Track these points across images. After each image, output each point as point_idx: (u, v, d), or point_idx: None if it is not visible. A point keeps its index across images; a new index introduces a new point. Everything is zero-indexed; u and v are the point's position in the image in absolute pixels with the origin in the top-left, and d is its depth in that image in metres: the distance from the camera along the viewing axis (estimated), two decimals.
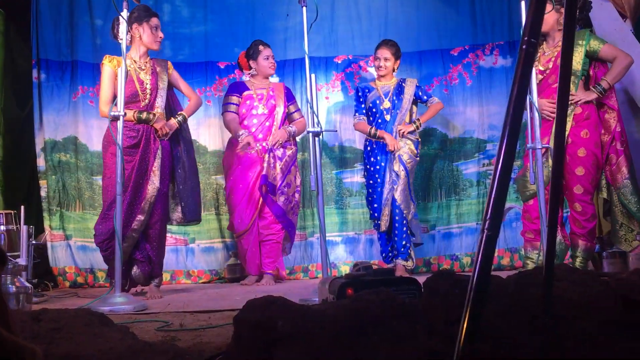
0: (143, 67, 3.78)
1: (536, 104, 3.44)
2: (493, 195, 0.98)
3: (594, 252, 3.97)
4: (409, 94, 4.53)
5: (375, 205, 4.50)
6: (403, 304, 1.60)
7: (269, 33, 5.01)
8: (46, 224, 4.65)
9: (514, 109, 1.01)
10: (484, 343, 1.43)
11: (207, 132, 5.00)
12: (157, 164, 3.72)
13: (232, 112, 4.45)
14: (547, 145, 3.57)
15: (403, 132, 4.43)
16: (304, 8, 3.50)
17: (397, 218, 4.40)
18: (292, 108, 4.60)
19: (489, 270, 0.98)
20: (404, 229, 4.41)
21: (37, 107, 4.74)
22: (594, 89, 3.79)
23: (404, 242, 4.41)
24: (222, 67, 5.08)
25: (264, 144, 4.39)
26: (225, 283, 4.65)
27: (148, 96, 3.75)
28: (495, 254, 4.62)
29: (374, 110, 4.56)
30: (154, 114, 3.73)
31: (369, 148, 4.57)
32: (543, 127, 3.68)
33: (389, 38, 4.65)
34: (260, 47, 4.50)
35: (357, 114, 4.62)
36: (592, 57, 3.86)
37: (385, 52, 4.49)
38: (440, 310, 1.55)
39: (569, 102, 3.70)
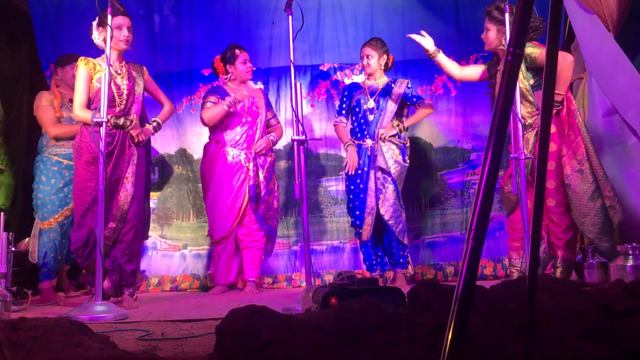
0: (119, 72, 3.68)
1: (520, 115, 3.47)
2: (478, 205, 0.98)
3: (574, 262, 3.98)
4: (397, 94, 4.41)
5: (357, 213, 4.37)
6: (387, 313, 1.60)
7: (253, 40, 5.01)
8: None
9: (499, 120, 1.02)
10: (469, 352, 1.43)
11: (193, 141, 4.98)
12: (131, 170, 3.65)
13: (209, 107, 4.35)
14: (530, 157, 3.58)
15: (384, 137, 4.33)
16: (290, 16, 3.51)
17: (389, 231, 4.35)
18: (269, 114, 4.59)
19: (474, 280, 0.98)
20: (400, 237, 4.36)
21: None
22: None
23: (401, 252, 4.37)
24: (205, 74, 5.06)
25: (246, 152, 4.37)
26: (207, 292, 4.61)
27: (125, 101, 3.68)
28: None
29: (357, 109, 4.45)
30: (131, 120, 3.66)
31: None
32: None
33: None
34: (237, 51, 4.46)
35: (337, 114, 4.56)
36: (534, 67, 3.78)
37: (367, 50, 4.42)
38: (424, 320, 1.55)
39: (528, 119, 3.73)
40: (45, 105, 4.34)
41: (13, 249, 3.80)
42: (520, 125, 3.45)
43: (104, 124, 3.35)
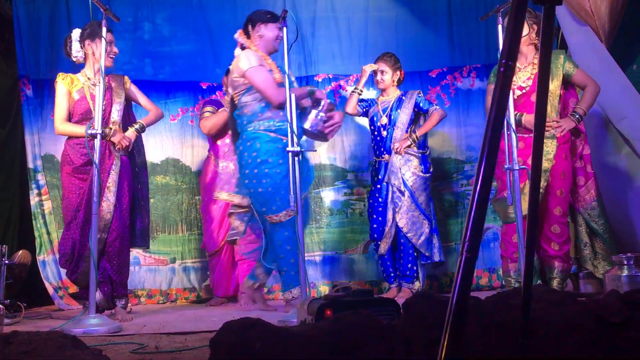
0: (97, 84, 3.64)
1: (513, 125, 3.46)
2: (472, 217, 0.98)
3: (570, 272, 3.99)
4: (408, 107, 4.40)
5: (375, 226, 4.38)
6: (382, 325, 1.59)
7: None
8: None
9: (492, 130, 1.02)
10: None
11: (190, 152, 4.97)
12: (111, 179, 3.64)
13: (208, 117, 4.39)
14: (524, 167, 3.58)
15: (399, 150, 4.32)
16: (285, 28, 3.52)
17: (402, 241, 4.31)
18: None
19: (468, 292, 0.98)
20: (410, 251, 4.31)
21: (27, 124, 4.75)
22: (572, 117, 3.82)
23: (409, 265, 4.32)
24: (204, 87, 5.07)
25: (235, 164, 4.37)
26: (203, 304, 4.58)
27: (101, 112, 3.70)
28: (474, 274, 4.63)
29: (372, 127, 4.51)
30: (110, 129, 3.66)
31: (376, 165, 4.51)
32: (525, 148, 3.71)
33: (368, 58, 4.70)
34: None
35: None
36: (564, 80, 3.89)
37: (381, 65, 4.42)
38: (419, 332, 1.54)
39: (550, 128, 3.76)
40: (259, 67, 3.58)
41: (6, 261, 3.79)
42: (514, 136, 3.45)
43: (99, 135, 3.35)
